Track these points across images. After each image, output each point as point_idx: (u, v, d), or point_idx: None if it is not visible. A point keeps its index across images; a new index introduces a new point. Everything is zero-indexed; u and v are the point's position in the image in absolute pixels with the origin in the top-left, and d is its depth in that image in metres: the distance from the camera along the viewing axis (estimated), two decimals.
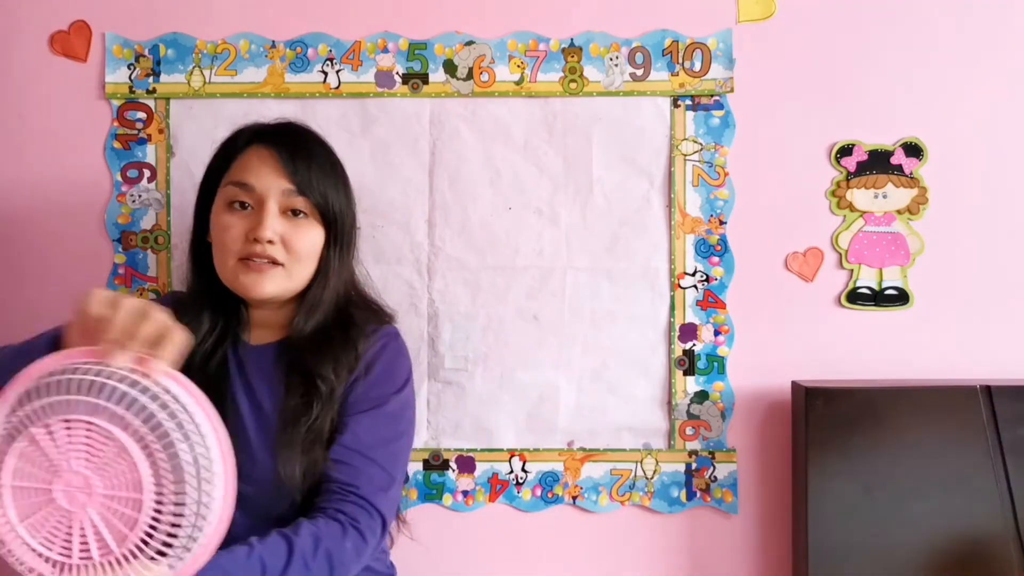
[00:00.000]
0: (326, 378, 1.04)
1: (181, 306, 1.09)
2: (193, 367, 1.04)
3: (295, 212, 1.06)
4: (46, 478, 0.74)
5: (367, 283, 1.21)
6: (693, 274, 1.34)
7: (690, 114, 1.33)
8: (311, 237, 1.07)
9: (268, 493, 1.00)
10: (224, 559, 0.86)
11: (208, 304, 1.11)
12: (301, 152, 1.09)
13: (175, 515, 0.73)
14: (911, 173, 1.33)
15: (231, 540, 0.84)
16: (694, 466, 1.34)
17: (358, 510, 0.98)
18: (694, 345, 1.34)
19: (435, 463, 1.34)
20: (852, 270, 1.33)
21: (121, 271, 1.34)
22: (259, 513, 0.99)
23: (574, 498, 1.34)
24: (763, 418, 1.34)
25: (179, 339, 0.79)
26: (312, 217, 1.08)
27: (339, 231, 1.11)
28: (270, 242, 1.04)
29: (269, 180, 1.05)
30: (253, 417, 1.05)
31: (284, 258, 1.05)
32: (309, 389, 1.04)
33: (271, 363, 1.09)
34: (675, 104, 1.33)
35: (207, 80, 1.33)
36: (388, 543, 1.19)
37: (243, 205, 1.06)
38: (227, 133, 1.12)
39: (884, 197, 1.33)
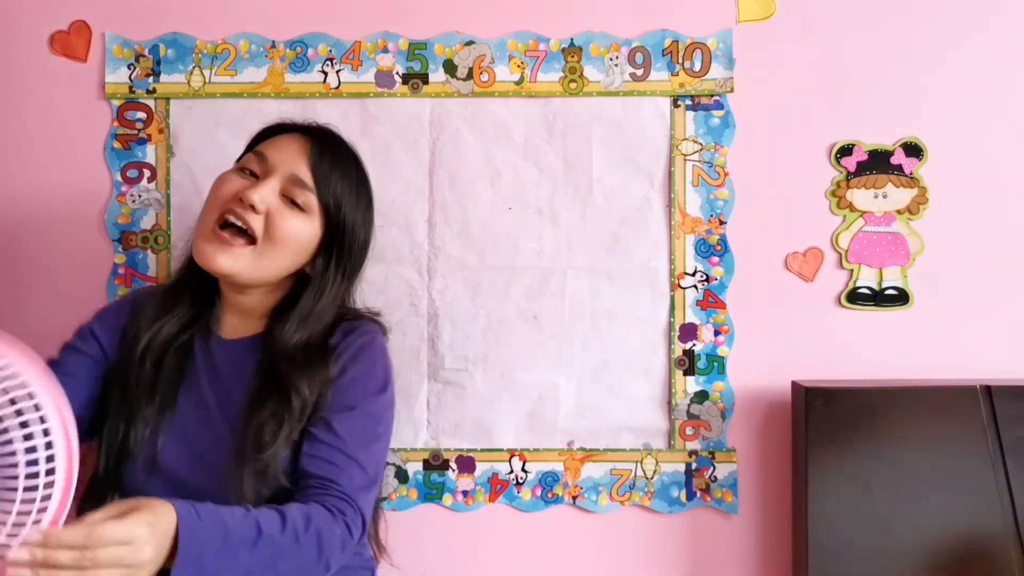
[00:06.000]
0: (300, 393, 0.98)
1: (148, 298, 1.08)
2: (162, 355, 1.03)
3: (296, 203, 1.02)
4: None
5: (358, 298, 1.17)
6: (693, 274, 1.34)
7: (690, 114, 1.33)
8: (300, 229, 1.02)
9: (226, 485, 0.97)
10: (223, 511, 0.85)
11: (186, 293, 1.07)
12: (330, 152, 1.06)
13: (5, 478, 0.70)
14: (911, 173, 1.33)
15: None
16: (694, 466, 1.34)
17: (343, 503, 0.97)
18: (694, 345, 1.34)
19: (435, 463, 1.34)
20: (852, 270, 1.33)
21: (121, 271, 1.34)
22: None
23: (574, 498, 1.34)
24: (763, 418, 1.34)
25: None
26: (312, 215, 1.03)
27: (347, 244, 1.06)
28: (253, 207, 0.98)
29: (286, 159, 1.02)
30: (220, 409, 1.02)
31: (260, 233, 0.99)
32: (280, 404, 0.98)
33: (243, 360, 1.04)
34: (675, 104, 1.33)
35: (207, 80, 1.33)
36: (370, 551, 1.17)
37: (251, 173, 1.02)
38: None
39: (884, 197, 1.33)
